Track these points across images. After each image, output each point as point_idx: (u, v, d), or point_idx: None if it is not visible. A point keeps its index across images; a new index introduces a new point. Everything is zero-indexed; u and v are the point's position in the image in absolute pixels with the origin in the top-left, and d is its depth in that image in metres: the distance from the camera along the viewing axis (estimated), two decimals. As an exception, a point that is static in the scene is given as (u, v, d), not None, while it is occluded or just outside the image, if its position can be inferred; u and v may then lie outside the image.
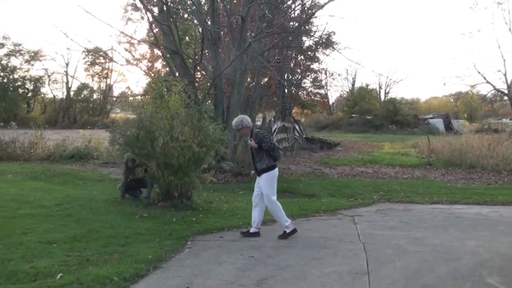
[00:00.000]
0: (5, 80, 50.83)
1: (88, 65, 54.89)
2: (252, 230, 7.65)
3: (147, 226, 8.03)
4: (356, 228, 8.35)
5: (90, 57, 51.91)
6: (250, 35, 17.31)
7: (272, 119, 21.93)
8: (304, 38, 29.05)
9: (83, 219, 8.47)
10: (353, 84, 66.79)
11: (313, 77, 40.87)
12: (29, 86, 53.49)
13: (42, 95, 55.63)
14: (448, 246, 7.04)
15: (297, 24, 22.48)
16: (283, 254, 6.62)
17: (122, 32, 28.17)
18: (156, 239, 7.20)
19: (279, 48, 24.09)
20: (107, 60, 49.55)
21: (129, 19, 31.56)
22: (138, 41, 23.92)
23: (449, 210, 10.25)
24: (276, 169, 7.60)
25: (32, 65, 52.73)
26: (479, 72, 43.70)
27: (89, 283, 5.20)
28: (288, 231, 7.55)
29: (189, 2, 19.84)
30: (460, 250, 6.80)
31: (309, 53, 34.65)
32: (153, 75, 14.75)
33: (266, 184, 7.51)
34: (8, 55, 51.09)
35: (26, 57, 51.97)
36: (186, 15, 24.69)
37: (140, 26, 30.35)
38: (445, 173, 16.93)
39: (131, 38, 24.57)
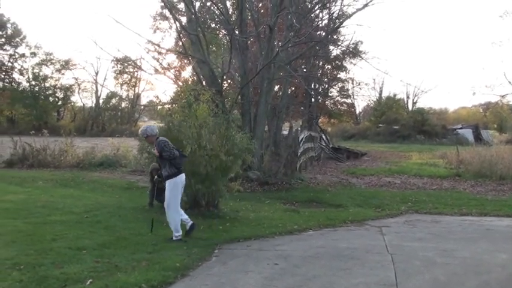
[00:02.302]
0: (37, 89, 51.92)
1: (117, 73, 55.64)
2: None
3: (175, 234, 8.08)
4: (384, 239, 8.27)
5: (119, 66, 52.68)
6: (277, 44, 17.35)
7: (299, 128, 21.89)
8: (331, 47, 29.01)
9: (111, 226, 8.56)
10: (380, 94, 66.21)
11: (340, 86, 40.79)
12: (60, 94, 54.51)
13: (72, 104, 56.54)
14: (478, 258, 6.91)
15: (324, 33, 22.45)
16: (310, 264, 6.59)
17: (150, 41, 28.51)
18: (184, 247, 7.24)
19: (306, 58, 24.08)
20: (136, 69, 50.29)
21: (157, 28, 31.89)
22: (167, 50, 24.14)
23: (479, 222, 10.07)
24: (180, 176, 7.85)
25: (63, 74, 53.82)
26: (509, 82, 42.79)
27: (117, 289, 5.25)
28: (174, 238, 7.74)
29: (217, 12, 19.99)
30: (491, 263, 6.67)
31: (336, 62, 34.58)
32: (181, 84, 14.87)
33: (168, 190, 7.79)
34: (40, 64, 52.32)
35: (57, 66, 53.09)
36: (213, 25, 24.89)
37: (168, 35, 30.64)
38: (475, 184, 16.64)
39: (159, 46, 24.83)
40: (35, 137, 18.43)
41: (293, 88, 28.91)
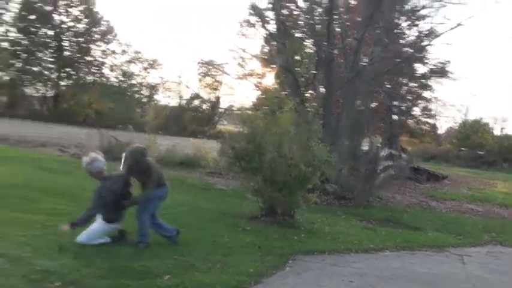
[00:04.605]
0: (124, 85, 54.24)
1: (201, 76, 57.04)
2: None
3: (250, 239, 8.11)
4: (464, 268, 7.90)
5: (203, 68, 54.06)
6: (363, 59, 17.13)
7: (379, 145, 21.46)
8: (417, 65, 28.27)
9: (187, 225, 8.68)
10: (466, 116, 63.65)
11: (423, 105, 39.60)
12: (145, 92, 56.69)
13: (156, 102, 58.54)
14: None
15: (411, 50, 21.93)
16: (386, 284, 6.42)
17: (235, 47, 29.00)
18: (258, 253, 7.24)
19: (391, 74, 23.61)
20: (219, 72, 51.37)
21: (243, 34, 32.42)
22: (252, 56, 24.46)
23: None
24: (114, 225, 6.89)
25: (149, 72, 55.93)
26: None
27: (193, 288, 5.32)
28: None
29: (301, 23, 20.02)
30: None
31: (422, 80, 33.64)
32: (265, 91, 15.01)
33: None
34: (129, 62, 54.71)
35: (144, 65, 55.28)
36: (297, 35, 24.92)
37: (253, 42, 31.02)
38: None
39: (244, 52, 25.18)
40: (121, 131, 19.17)
41: (375, 104, 28.43)
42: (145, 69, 55.64)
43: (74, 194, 10.40)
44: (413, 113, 38.74)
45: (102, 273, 5.44)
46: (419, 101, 37.97)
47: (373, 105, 27.68)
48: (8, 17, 50.43)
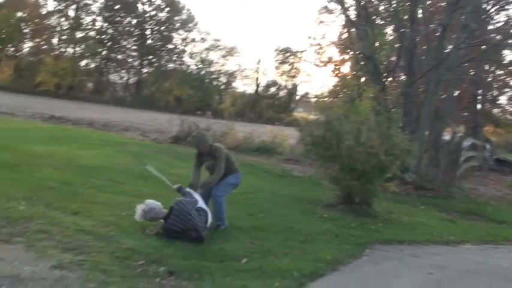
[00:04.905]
0: (203, 72, 55.40)
1: (278, 63, 57.19)
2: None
3: (327, 227, 8.09)
4: (556, 266, 7.50)
5: (280, 56, 54.21)
6: (447, 45, 16.47)
7: (462, 135, 20.64)
8: (504, 52, 26.83)
9: (265, 211, 8.81)
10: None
11: (510, 93, 37.71)
12: (223, 79, 57.72)
13: (233, 89, 59.44)
14: None
15: (499, 36, 20.82)
16: (468, 279, 6.22)
17: (314, 34, 28.76)
18: (335, 241, 7.21)
19: (476, 61, 22.58)
20: (297, 60, 51.27)
21: (321, 21, 32.12)
22: (331, 43, 24.19)
23: None
24: None
25: (227, 60, 56.93)
26: None
27: (270, 273, 5.37)
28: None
29: (382, 9, 19.49)
30: None
31: (510, 68, 31.98)
32: (343, 78, 14.83)
33: None
34: (208, 49, 55.87)
35: (223, 52, 56.31)
36: (378, 21, 24.34)
37: (330, 29, 30.65)
38: None
39: (323, 38, 24.95)
40: (199, 117, 19.57)
41: (458, 92, 27.38)
42: (223, 56, 56.68)
43: (156, 178, 10.80)
44: (499, 102, 37.06)
45: (182, 254, 5.62)
46: (506, 90, 36.24)
47: (456, 93, 26.68)
48: (95, 7, 52.83)
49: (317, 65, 29.56)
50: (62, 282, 4.36)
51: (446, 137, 18.66)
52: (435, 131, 17.21)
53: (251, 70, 57.60)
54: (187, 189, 6.74)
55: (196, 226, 6.16)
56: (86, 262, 4.92)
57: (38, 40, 52.34)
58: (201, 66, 55.81)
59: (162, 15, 54.77)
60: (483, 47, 18.40)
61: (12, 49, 52.11)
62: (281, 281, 5.14)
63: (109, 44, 53.59)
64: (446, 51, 15.16)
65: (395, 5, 17.20)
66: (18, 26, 49.26)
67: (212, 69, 56.68)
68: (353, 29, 18.26)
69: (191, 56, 56.52)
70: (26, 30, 51.72)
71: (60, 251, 5.18)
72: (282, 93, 59.55)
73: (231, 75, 57.71)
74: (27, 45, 53.63)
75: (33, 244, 5.26)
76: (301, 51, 33.62)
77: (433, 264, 6.67)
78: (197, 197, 6.66)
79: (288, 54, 50.73)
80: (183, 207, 6.27)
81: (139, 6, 54.15)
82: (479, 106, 31.41)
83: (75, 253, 5.17)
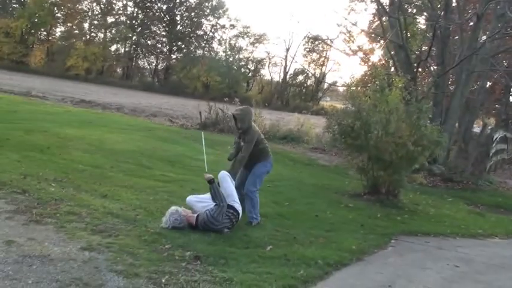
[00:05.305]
0: (231, 59, 55.40)
1: (307, 51, 56.78)
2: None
3: (352, 217, 8.08)
4: None
5: (310, 44, 53.78)
6: (481, 35, 16.13)
7: (493, 127, 20.27)
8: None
9: (291, 199, 8.83)
10: None
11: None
12: (251, 66, 57.67)
13: (261, 76, 59.31)
14: None
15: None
16: (495, 273, 6.12)
17: (344, 22, 28.42)
18: (360, 231, 7.19)
19: (510, 52, 22.09)
20: (326, 48, 50.79)
21: (352, 9, 31.68)
22: (362, 32, 23.90)
23: None
24: None
25: (256, 47, 56.77)
26: None
27: (295, 260, 5.38)
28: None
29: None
30: None
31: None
32: (374, 67, 14.62)
33: None
34: (237, 36, 55.83)
35: (252, 39, 56.16)
36: (410, 10, 23.97)
37: (361, 17, 30.21)
38: None
39: (354, 26, 24.59)
40: (227, 104, 19.62)
41: (490, 83, 26.85)
42: (252, 43, 56.53)
43: (182, 162, 10.91)
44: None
45: (209, 240, 5.66)
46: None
47: (488, 84, 26.14)
48: (125, -8, 53.07)
49: (347, 54, 29.23)
50: (91, 263, 4.44)
51: (476, 129, 18.37)
52: (465, 122, 16.95)
53: (279, 58, 57.41)
54: (216, 185, 6.31)
55: (221, 231, 6.10)
56: (114, 244, 5.00)
57: (69, 24, 53.05)
58: (229, 53, 55.82)
59: (193, 1, 54.80)
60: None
61: (45, 33, 52.85)
62: (306, 269, 5.13)
63: (139, 29, 53.91)
64: (480, 41, 14.82)
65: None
66: (51, 10, 49.91)
67: (240, 56, 56.66)
68: (385, 18, 18.00)
69: (220, 42, 56.57)
70: (59, 15, 52.42)
71: (89, 232, 5.28)
72: (310, 81, 59.25)
73: (259, 63, 57.58)
74: (59, 30, 54.41)
75: (63, 225, 5.37)
76: (331, 40, 33.34)
77: (460, 257, 6.60)
78: (229, 190, 6.43)
79: (317, 42, 50.20)
80: (209, 218, 6.03)
81: (170, -8, 54.27)
82: (511, 98, 30.66)
83: (104, 235, 5.26)
